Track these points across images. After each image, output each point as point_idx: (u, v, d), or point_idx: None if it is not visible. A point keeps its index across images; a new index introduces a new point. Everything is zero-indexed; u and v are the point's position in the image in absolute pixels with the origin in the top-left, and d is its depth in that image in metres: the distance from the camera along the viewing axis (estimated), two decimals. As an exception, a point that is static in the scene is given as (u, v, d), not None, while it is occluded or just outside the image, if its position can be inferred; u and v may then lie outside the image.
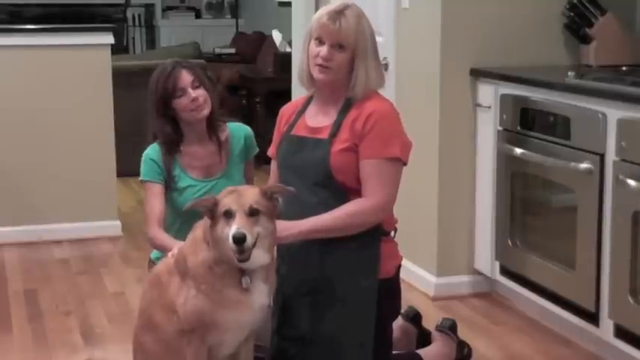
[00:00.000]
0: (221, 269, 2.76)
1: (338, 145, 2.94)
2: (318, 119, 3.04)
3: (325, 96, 3.04)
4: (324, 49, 2.93)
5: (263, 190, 2.77)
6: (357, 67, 2.95)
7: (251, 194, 2.74)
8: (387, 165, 2.92)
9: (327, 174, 2.93)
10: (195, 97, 3.34)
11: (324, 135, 2.97)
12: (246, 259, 2.69)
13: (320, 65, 2.94)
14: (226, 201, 2.72)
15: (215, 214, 2.74)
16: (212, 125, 3.42)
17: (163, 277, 2.90)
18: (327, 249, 2.94)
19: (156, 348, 2.93)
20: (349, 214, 2.90)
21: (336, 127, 2.96)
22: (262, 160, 4.18)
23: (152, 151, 3.41)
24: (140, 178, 3.41)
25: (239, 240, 2.64)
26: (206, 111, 3.38)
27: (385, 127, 2.93)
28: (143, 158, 3.41)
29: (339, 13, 2.94)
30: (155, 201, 3.35)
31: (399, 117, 3.01)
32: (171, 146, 3.39)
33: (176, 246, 3.01)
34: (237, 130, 3.50)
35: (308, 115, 3.08)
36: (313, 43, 2.96)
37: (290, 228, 2.88)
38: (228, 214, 2.70)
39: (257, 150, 3.56)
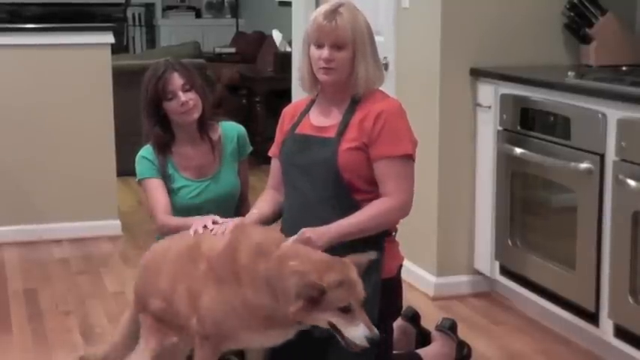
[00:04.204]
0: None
1: (346, 144, 2.94)
2: (323, 118, 3.04)
3: (329, 96, 3.04)
4: (324, 52, 2.93)
5: (360, 271, 2.67)
6: (357, 65, 2.95)
7: (360, 283, 2.61)
8: (402, 163, 2.94)
9: (334, 172, 2.93)
10: (185, 102, 3.34)
11: (331, 134, 2.97)
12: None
13: (323, 68, 2.95)
14: (341, 295, 2.56)
15: (318, 300, 2.57)
16: (203, 126, 3.43)
17: (201, 268, 2.82)
18: (331, 251, 2.91)
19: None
20: (379, 214, 2.91)
21: (344, 125, 2.96)
22: (262, 159, 4.19)
23: (146, 152, 3.41)
24: (137, 179, 3.41)
25: (377, 342, 2.58)
26: (196, 115, 3.38)
27: (396, 125, 2.94)
28: (137, 159, 3.41)
29: (333, 12, 2.94)
30: (158, 193, 3.35)
31: (406, 114, 3.02)
32: (163, 147, 3.40)
33: (197, 223, 2.99)
34: (230, 130, 3.50)
35: (312, 114, 3.09)
36: (313, 47, 2.97)
37: (320, 236, 2.82)
38: (346, 310, 2.57)
39: (251, 149, 3.56)
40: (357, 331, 2.56)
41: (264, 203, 3.15)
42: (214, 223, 2.99)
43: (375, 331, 2.57)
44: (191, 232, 2.98)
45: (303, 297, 2.55)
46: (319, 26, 2.95)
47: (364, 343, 2.57)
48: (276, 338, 2.79)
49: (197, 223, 3.02)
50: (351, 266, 2.64)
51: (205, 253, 2.84)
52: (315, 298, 2.55)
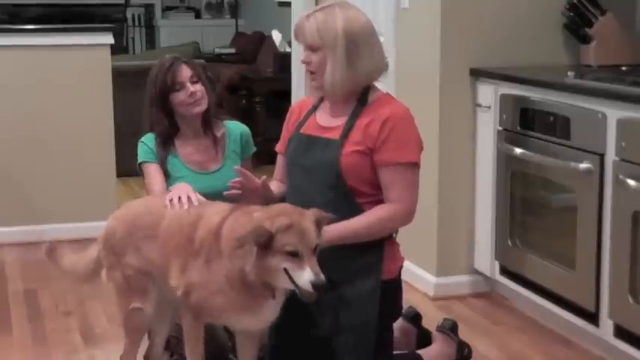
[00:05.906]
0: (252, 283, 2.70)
1: (349, 147, 2.93)
2: (329, 118, 3.04)
3: (333, 97, 3.04)
4: (302, 53, 2.95)
5: (318, 222, 2.68)
6: (327, 66, 2.92)
7: (312, 230, 2.63)
8: (409, 170, 2.93)
9: (336, 175, 2.92)
10: (193, 92, 3.39)
11: (335, 135, 2.97)
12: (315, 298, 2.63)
13: (307, 71, 2.97)
14: (289, 239, 2.59)
15: (268, 245, 2.61)
16: (207, 122, 3.46)
17: (196, 241, 2.85)
18: (330, 251, 2.89)
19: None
20: (382, 220, 2.90)
21: (348, 128, 2.95)
22: (264, 159, 4.19)
23: (147, 139, 3.46)
24: (138, 162, 3.43)
25: (322, 288, 2.57)
26: (203, 106, 3.42)
27: (404, 132, 2.93)
28: (139, 145, 3.45)
29: (310, 15, 2.93)
30: (155, 176, 3.38)
31: (413, 119, 3.01)
32: (167, 139, 3.43)
33: (177, 191, 3.03)
34: (234, 128, 3.53)
35: (319, 113, 3.08)
36: None
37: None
38: (294, 254, 2.60)
39: (254, 149, 3.58)
40: (303, 276, 2.57)
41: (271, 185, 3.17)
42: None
43: (322, 276, 2.56)
44: (171, 203, 2.99)
45: (254, 241, 2.59)
46: (295, 28, 2.97)
47: (308, 288, 2.57)
48: (257, 318, 2.81)
49: (177, 191, 3.06)
50: (306, 215, 2.67)
51: (199, 234, 2.86)
52: (265, 243, 2.59)
